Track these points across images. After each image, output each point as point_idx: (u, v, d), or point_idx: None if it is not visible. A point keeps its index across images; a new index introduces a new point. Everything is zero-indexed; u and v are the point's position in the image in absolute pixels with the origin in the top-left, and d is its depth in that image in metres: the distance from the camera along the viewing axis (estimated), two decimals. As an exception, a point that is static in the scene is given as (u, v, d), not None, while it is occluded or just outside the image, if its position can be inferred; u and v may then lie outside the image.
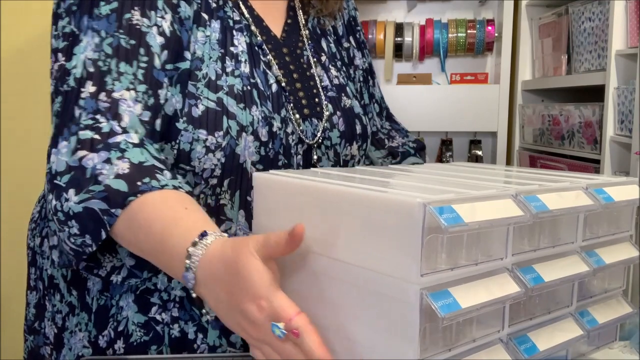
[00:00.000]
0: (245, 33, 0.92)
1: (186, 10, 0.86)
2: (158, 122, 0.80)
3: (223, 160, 0.84)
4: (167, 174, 0.73)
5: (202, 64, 0.85)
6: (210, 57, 0.86)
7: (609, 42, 1.35)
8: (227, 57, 0.88)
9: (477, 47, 1.85)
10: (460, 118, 1.80)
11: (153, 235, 0.67)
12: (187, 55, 0.85)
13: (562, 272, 0.69)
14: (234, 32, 0.91)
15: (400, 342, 0.57)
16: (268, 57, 0.93)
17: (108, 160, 0.71)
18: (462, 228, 0.56)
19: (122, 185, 0.69)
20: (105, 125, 0.74)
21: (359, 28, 1.16)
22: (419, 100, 1.82)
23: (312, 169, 0.93)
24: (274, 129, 0.88)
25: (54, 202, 0.72)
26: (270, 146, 0.88)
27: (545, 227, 0.71)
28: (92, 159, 0.72)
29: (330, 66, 1.03)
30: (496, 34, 1.82)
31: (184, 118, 0.82)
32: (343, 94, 1.02)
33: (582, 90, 1.63)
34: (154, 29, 0.81)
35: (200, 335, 0.86)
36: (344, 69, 1.07)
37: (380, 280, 0.59)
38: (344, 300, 0.63)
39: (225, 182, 0.86)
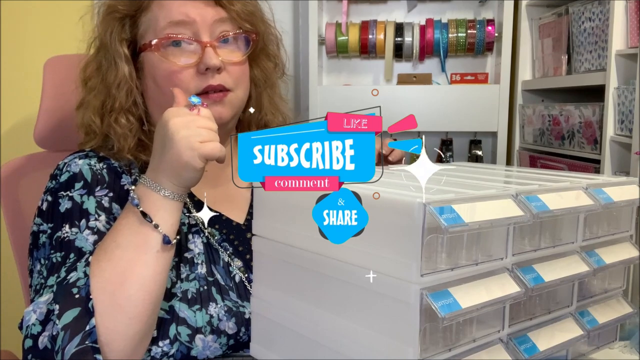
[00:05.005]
0: (201, 235, 0.92)
1: None
2: None
3: None
4: None
5: None
6: None
7: (609, 42, 1.35)
8: (181, 264, 0.88)
9: (477, 47, 1.85)
10: (460, 118, 1.79)
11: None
12: None
13: (562, 272, 0.69)
14: (190, 235, 0.91)
15: (400, 342, 0.57)
16: (229, 251, 0.93)
17: None
18: (462, 228, 0.56)
19: None
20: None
21: None
22: (419, 100, 1.82)
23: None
24: (246, 316, 0.87)
25: None
26: (241, 334, 0.87)
27: (546, 227, 0.71)
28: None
29: None
30: (496, 34, 1.82)
31: None
32: None
33: (582, 90, 1.63)
34: (86, 232, 0.83)
35: None
36: None
37: (380, 280, 0.59)
38: (344, 300, 0.63)
39: None
